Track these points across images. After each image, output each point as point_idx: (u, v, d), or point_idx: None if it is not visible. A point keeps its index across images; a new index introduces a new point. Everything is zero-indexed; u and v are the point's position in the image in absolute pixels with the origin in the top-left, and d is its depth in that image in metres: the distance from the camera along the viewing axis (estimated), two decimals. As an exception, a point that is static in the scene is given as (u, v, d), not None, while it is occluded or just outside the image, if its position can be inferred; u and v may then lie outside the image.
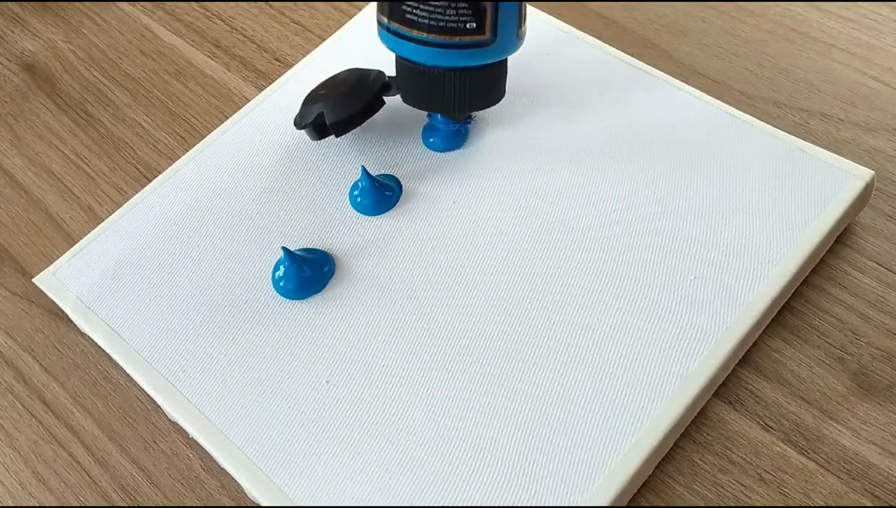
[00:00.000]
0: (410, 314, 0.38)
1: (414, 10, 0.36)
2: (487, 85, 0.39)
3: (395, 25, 0.37)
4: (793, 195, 0.39)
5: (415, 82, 0.39)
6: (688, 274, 0.37)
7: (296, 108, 0.46)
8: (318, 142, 0.44)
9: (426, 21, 0.36)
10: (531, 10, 0.48)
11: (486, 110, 0.44)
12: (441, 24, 0.36)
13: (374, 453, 0.34)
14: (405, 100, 0.40)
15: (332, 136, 0.41)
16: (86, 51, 0.54)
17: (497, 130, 0.43)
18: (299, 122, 0.41)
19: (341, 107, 0.40)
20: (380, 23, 0.38)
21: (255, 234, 0.41)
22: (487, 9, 0.36)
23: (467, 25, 0.36)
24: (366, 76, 0.41)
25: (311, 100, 0.42)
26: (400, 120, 0.45)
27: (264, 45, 0.53)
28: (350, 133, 0.43)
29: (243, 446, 0.35)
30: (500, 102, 0.41)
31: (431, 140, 0.43)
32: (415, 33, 0.36)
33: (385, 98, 0.41)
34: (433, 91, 0.39)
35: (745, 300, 0.36)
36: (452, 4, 0.35)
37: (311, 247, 0.40)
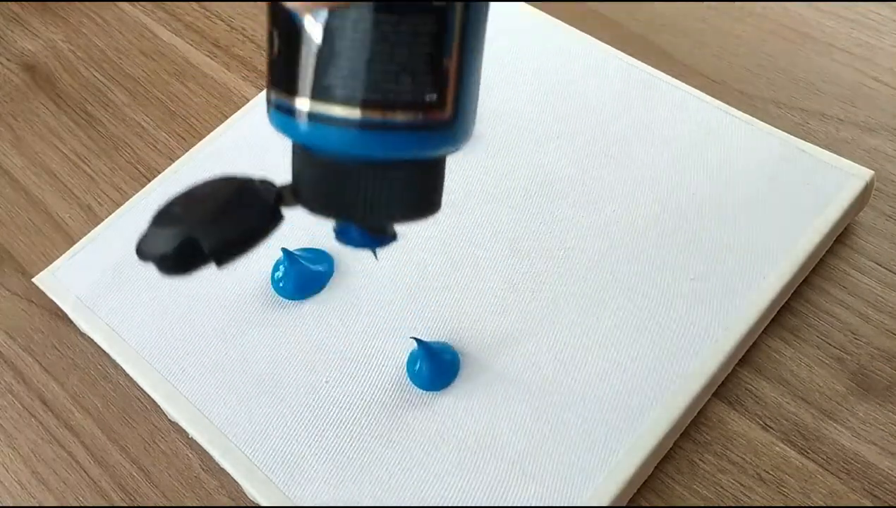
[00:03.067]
0: (410, 314, 0.38)
1: (343, 80, 0.24)
2: (426, 185, 0.28)
3: (311, 103, 0.25)
4: (792, 195, 0.39)
5: (330, 184, 0.27)
6: (687, 273, 0.37)
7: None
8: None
9: (362, 93, 0.24)
10: (531, 11, 0.48)
11: (488, 113, 0.44)
12: (389, 95, 0.25)
13: (374, 453, 0.34)
14: (311, 207, 0.28)
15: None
16: (86, 51, 0.54)
17: (495, 129, 0.43)
18: (148, 251, 0.28)
19: (222, 226, 0.27)
20: (279, 105, 0.26)
21: (254, 234, 0.41)
22: (450, 74, 0.25)
23: (426, 97, 0.25)
24: (249, 184, 0.28)
25: (165, 219, 0.28)
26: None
27: (264, 45, 0.52)
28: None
29: (243, 446, 0.35)
30: (500, 99, 0.39)
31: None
32: (339, 112, 0.25)
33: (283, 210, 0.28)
34: (357, 195, 0.27)
35: (744, 300, 0.36)
36: (408, 67, 0.24)
37: (310, 247, 0.40)
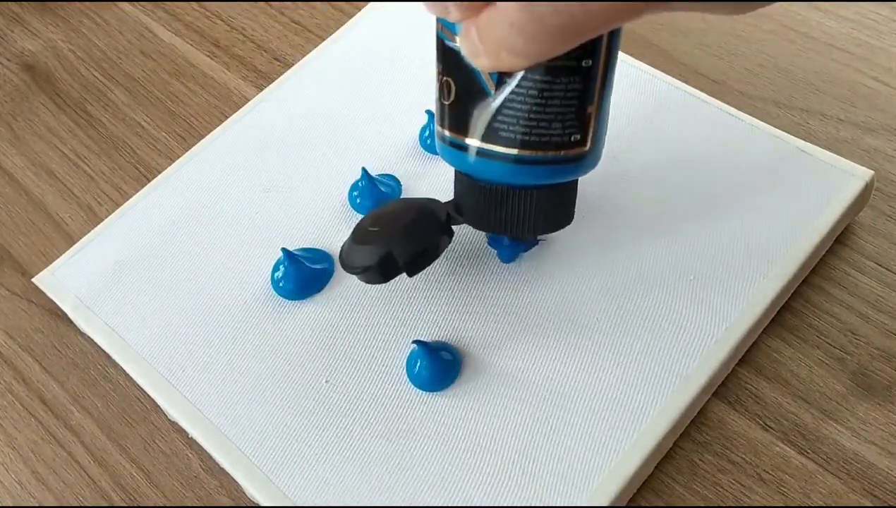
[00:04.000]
0: (410, 314, 0.38)
1: (508, 126, 0.30)
2: (565, 202, 0.35)
3: (480, 143, 0.31)
4: (792, 195, 0.39)
5: (491, 204, 0.33)
6: (687, 273, 0.37)
7: (295, 108, 0.46)
8: (316, 143, 0.44)
9: (522, 137, 0.31)
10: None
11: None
12: (543, 138, 0.31)
13: (374, 453, 0.34)
14: (473, 222, 0.35)
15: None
16: (86, 50, 0.54)
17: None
18: (353, 264, 0.35)
19: (411, 241, 0.34)
20: (453, 142, 0.32)
21: (254, 234, 0.41)
22: (592, 117, 0.31)
23: (572, 138, 0.31)
24: (425, 205, 0.36)
25: (364, 237, 0.35)
26: (400, 120, 0.45)
27: (264, 45, 0.53)
28: (351, 137, 0.43)
29: (243, 446, 0.35)
30: None
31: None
32: (501, 150, 0.31)
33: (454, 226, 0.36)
34: (509, 213, 0.33)
35: (744, 300, 0.36)
36: (559, 117, 0.30)
37: (310, 246, 0.40)
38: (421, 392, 0.35)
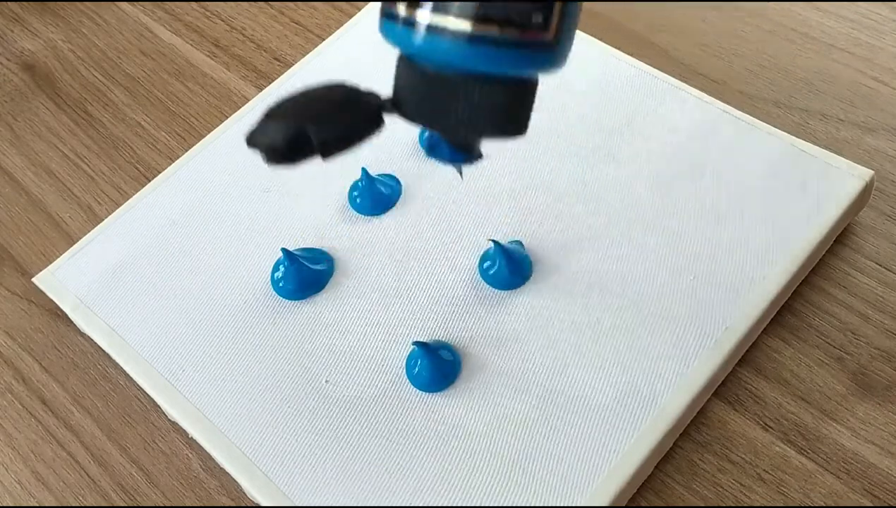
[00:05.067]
0: (410, 314, 0.38)
1: None
2: (520, 104, 0.31)
3: (431, 16, 0.28)
4: (792, 195, 0.39)
5: (432, 93, 0.30)
6: (687, 273, 0.37)
7: (295, 108, 0.46)
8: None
9: (473, 9, 0.27)
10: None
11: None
12: (500, 13, 0.27)
13: (374, 453, 0.34)
14: (410, 115, 0.31)
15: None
16: (85, 50, 0.54)
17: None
18: (259, 141, 0.31)
19: (332, 122, 0.30)
20: (390, 15, 0.29)
21: (254, 234, 0.41)
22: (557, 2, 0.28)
23: (533, 18, 0.27)
24: (354, 89, 0.31)
25: (278, 114, 0.31)
26: (400, 120, 0.44)
27: (264, 45, 0.53)
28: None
29: (243, 446, 0.35)
30: None
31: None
32: (453, 25, 0.27)
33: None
34: (454, 106, 0.29)
35: (744, 300, 0.36)
36: None
37: (310, 247, 0.40)
38: (421, 392, 0.35)
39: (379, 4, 0.30)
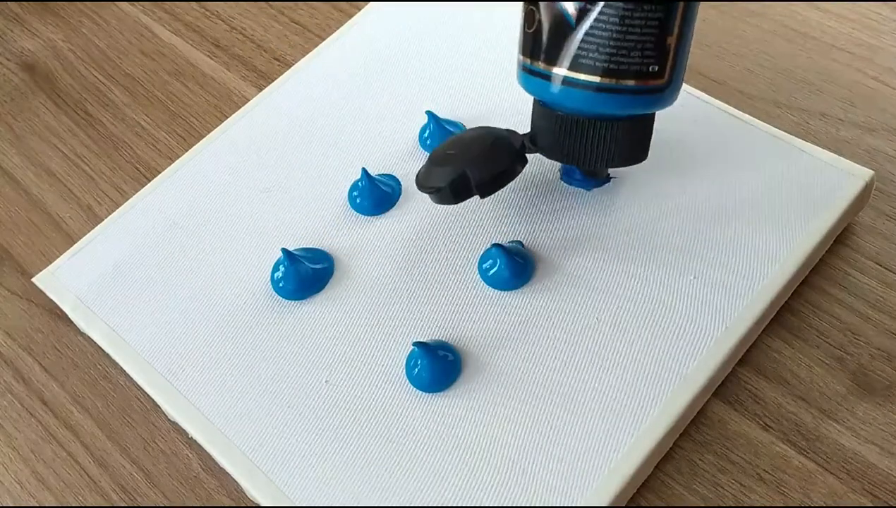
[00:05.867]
0: (410, 314, 0.38)
1: (589, 53, 0.33)
2: (641, 136, 0.36)
3: (566, 72, 0.33)
4: (792, 195, 0.39)
5: (568, 134, 0.35)
6: (687, 273, 0.37)
7: (295, 108, 0.46)
8: (316, 143, 0.44)
9: (603, 64, 0.33)
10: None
11: (487, 112, 0.44)
12: (622, 67, 0.33)
13: (374, 453, 0.34)
14: (548, 152, 0.36)
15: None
16: (85, 50, 0.54)
17: (497, 130, 0.43)
18: (428, 184, 0.36)
19: (486, 165, 0.36)
20: (529, 70, 0.35)
21: (254, 234, 0.41)
22: (671, 49, 0.33)
23: (650, 68, 0.33)
24: (502, 132, 0.37)
25: (441, 160, 0.37)
26: (400, 120, 0.45)
27: (264, 45, 0.53)
28: (351, 137, 0.43)
29: (243, 446, 0.35)
30: (500, 101, 0.41)
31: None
32: (584, 78, 0.33)
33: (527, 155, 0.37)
34: (586, 143, 0.35)
35: (744, 299, 0.36)
36: (639, 45, 0.32)
37: (310, 247, 0.40)
38: (421, 392, 0.35)
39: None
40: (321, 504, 0.33)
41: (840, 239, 0.40)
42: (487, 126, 0.38)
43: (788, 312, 0.38)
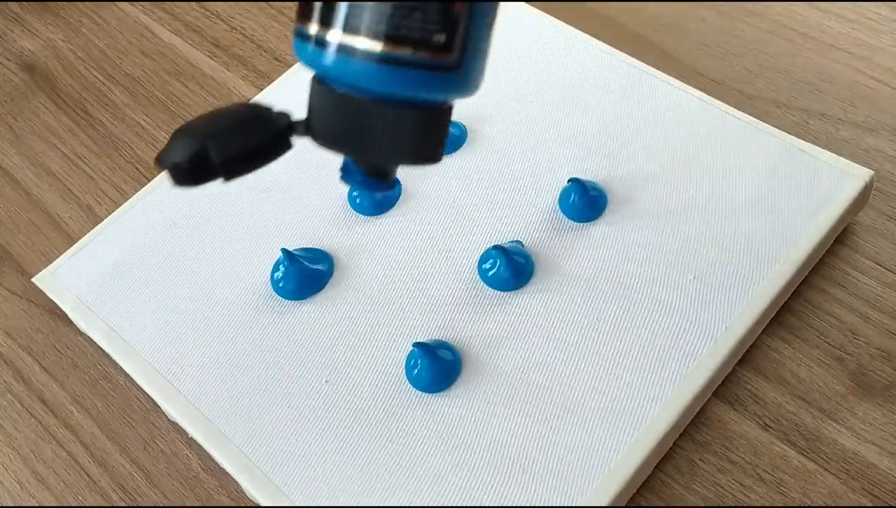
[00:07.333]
0: (410, 314, 0.38)
1: (364, 11, 0.27)
2: (431, 130, 0.30)
3: (339, 35, 0.27)
4: (792, 195, 0.39)
5: (344, 117, 0.29)
6: (687, 273, 0.37)
7: (295, 108, 0.46)
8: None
9: (379, 27, 0.27)
10: (532, 11, 0.48)
11: (487, 111, 0.44)
12: (401, 31, 0.27)
13: (374, 453, 0.34)
14: (320, 139, 0.30)
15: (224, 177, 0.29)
16: (85, 50, 0.54)
17: (495, 129, 0.43)
18: (165, 160, 0.29)
19: (233, 138, 0.29)
20: (301, 34, 0.28)
21: (254, 234, 0.41)
22: (460, 20, 0.27)
23: (434, 37, 0.27)
24: (262, 108, 0.31)
25: (185, 132, 0.30)
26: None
27: (264, 45, 0.53)
28: None
29: (242, 446, 0.35)
30: (499, 103, 0.40)
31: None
32: (361, 45, 0.27)
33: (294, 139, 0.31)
34: (365, 131, 0.29)
35: (744, 299, 0.36)
36: (421, 6, 0.27)
37: (310, 247, 0.40)
38: (421, 392, 0.35)
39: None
40: (321, 504, 0.33)
41: (840, 239, 0.40)
42: (256, 102, 0.31)
43: (788, 312, 0.38)
